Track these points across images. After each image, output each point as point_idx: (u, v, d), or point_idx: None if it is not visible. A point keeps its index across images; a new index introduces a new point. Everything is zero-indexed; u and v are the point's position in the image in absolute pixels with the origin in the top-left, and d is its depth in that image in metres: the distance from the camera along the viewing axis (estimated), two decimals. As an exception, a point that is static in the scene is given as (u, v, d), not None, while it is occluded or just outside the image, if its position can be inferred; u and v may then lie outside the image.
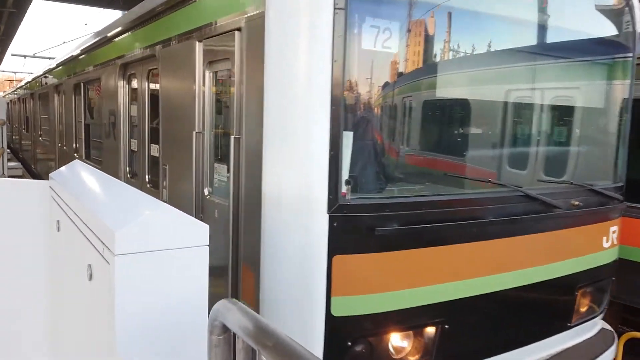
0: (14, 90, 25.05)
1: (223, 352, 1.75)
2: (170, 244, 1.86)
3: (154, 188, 5.09)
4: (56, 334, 3.10)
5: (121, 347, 1.81)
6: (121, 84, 6.09)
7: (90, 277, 2.10)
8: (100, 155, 7.33)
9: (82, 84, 8.59)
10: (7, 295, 3.23)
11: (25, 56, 39.21)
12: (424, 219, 3.00)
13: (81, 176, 3.07)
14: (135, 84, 5.85)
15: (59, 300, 2.99)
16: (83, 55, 8.63)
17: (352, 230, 2.84)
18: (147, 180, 5.42)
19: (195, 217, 3.71)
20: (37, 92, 15.01)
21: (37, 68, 18.90)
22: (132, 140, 5.92)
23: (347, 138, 2.83)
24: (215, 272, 2.83)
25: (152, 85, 5.42)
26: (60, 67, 10.92)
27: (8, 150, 18.09)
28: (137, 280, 1.83)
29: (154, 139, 5.14)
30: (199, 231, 1.92)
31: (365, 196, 2.97)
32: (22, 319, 3.27)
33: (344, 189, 2.78)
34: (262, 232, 2.98)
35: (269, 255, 2.97)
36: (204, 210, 3.96)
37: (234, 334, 1.69)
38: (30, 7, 16.08)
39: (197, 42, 3.94)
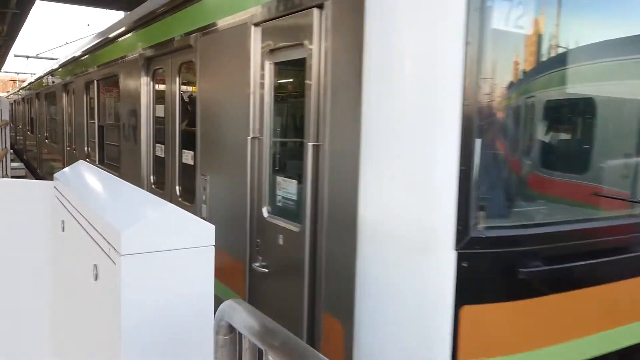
0: (18, 91, 24.53)
1: (229, 352, 1.75)
2: (176, 244, 1.86)
3: (187, 202, 4.39)
4: (60, 334, 3.10)
5: (126, 347, 1.81)
6: (144, 80, 5.38)
7: (96, 277, 2.10)
8: (118, 161, 6.58)
9: (95, 82, 7.83)
10: (11, 295, 3.24)
11: (28, 57, 39.32)
12: (587, 253, 2.30)
13: (85, 176, 3.07)
14: (162, 80, 5.12)
15: (64, 300, 2.99)
16: (97, 50, 7.74)
17: (488, 272, 2.17)
18: (177, 192, 4.74)
19: (250, 241, 3.27)
20: (43, 91, 14.25)
21: (40, 69, 18.47)
22: (157, 145, 5.22)
23: (484, 148, 2.13)
24: (281, 315, 2.26)
25: (186, 81, 4.73)
26: (70, 65, 10.03)
27: (11, 151, 18.18)
28: (143, 280, 1.83)
29: (187, 144, 4.45)
30: (205, 231, 1.92)
31: (506, 225, 2.25)
32: (27, 318, 3.27)
33: (478, 216, 2.11)
34: (357, 271, 2.28)
35: (367, 304, 2.25)
36: (263, 234, 3.20)
37: (240, 334, 1.69)
38: (33, 8, 16.11)
39: (252, 27, 3.18)
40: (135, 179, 5.38)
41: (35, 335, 3.25)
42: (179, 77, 4.70)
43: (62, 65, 10.88)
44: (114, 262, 1.84)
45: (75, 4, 20.59)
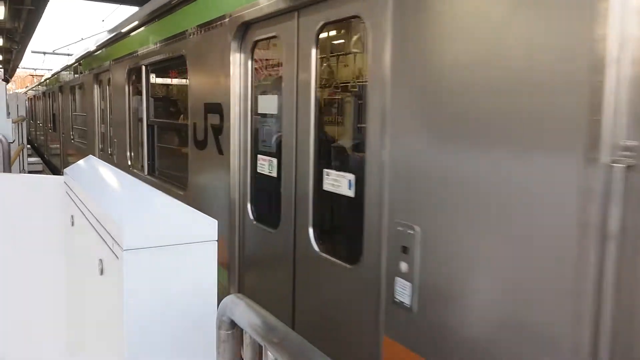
0: (38, 85, 22.68)
1: (231, 347, 1.75)
2: (179, 238, 1.86)
3: (347, 262, 2.66)
4: (72, 327, 3.14)
5: (129, 341, 1.82)
6: (236, 58, 3.60)
7: (102, 272, 2.12)
8: (181, 175, 4.75)
9: (142, 68, 5.83)
10: (25, 289, 3.28)
11: (45, 53, 39.85)
12: None
13: (94, 171, 3.09)
14: (271, 55, 3.55)
15: (74, 294, 3.02)
16: (149, 23, 5.66)
17: None
18: (315, 246, 2.91)
19: None
20: (67, 84, 12.28)
21: (59, 63, 17.81)
22: (261, 157, 3.49)
23: None
24: None
25: (337, 53, 3.24)
26: (104, 49, 8.02)
27: (29, 146, 18.38)
28: (146, 275, 1.84)
29: (335, 160, 2.95)
30: (208, 226, 1.92)
31: None
32: (41, 312, 3.31)
33: None
34: None
35: None
36: None
37: (242, 329, 1.69)
38: (49, 4, 16.26)
39: None
40: (218, 207, 3.90)
41: (49, 327, 3.29)
42: (317, 48, 2.84)
43: (94, 51, 8.89)
44: (117, 257, 1.85)
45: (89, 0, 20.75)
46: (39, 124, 20.98)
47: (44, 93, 18.32)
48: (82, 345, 2.81)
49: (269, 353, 1.45)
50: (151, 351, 1.84)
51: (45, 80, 18.20)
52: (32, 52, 39.47)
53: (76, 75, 10.76)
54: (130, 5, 22.10)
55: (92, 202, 2.32)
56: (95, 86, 8.64)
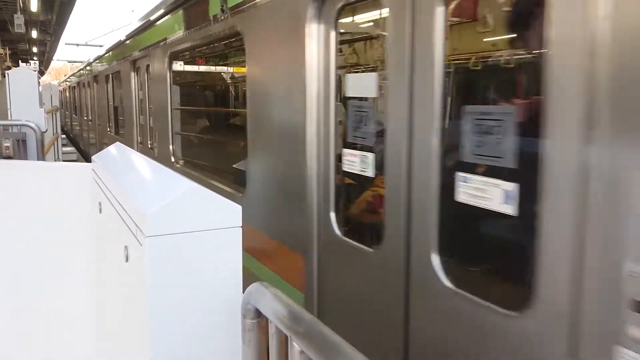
0: (72, 75, 21.76)
1: (257, 336, 1.70)
2: (203, 225, 1.82)
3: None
4: (100, 313, 3.16)
5: (154, 328, 1.79)
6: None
7: (127, 259, 2.09)
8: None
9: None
10: (56, 277, 3.32)
11: (77, 45, 40.65)
12: None
13: (122, 158, 3.08)
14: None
15: (103, 281, 3.03)
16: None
17: None
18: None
19: None
20: (102, 73, 11.38)
21: (90, 55, 17.54)
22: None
23: None
24: None
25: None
26: (141, 34, 6.99)
27: (63, 136, 18.82)
28: (170, 261, 1.80)
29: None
30: (232, 212, 1.87)
31: None
32: (71, 299, 3.35)
33: None
34: None
35: None
36: None
37: (267, 320, 1.63)
38: (80, -5, 16.52)
39: None
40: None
41: (79, 314, 3.33)
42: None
43: (130, 37, 8.09)
44: (140, 244, 1.81)
45: (119, -10, 20.98)
46: (74, 114, 20.69)
47: (78, 83, 17.85)
48: (108, 330, 2.82)
49: (295, 344, 1.39)
50: (176, 339, 1.80)
51: (80, 70, 17.79)
52: (66, 44, 40.31)
53: (112, 64, 10.14)
54: (159, -5, 22.24)
55: (117, 188, 2.30)
56: (133, 74, 7.83)
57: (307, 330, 1.38)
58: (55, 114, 12.47)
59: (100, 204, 2.98)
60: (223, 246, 1.86)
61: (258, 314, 1.67)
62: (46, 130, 6.71)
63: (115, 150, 3.30)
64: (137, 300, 1.95)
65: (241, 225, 1.89)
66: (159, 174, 2.38)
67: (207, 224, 1.82)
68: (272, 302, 1.56)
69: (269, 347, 1.66)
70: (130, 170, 2.68)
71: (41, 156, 6.10)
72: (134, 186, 2.23)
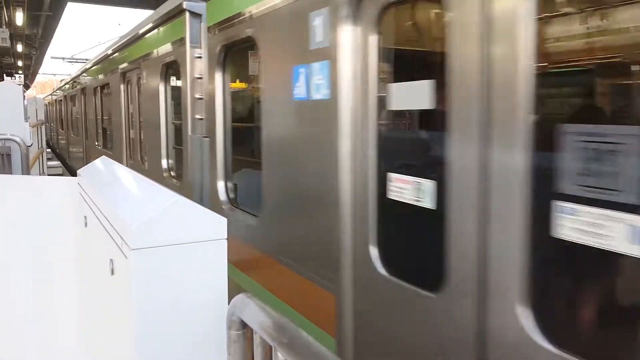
0: (58, 88, 20.97)
1: (242, 347, 1.71)
2: (187, 237, 1.83)
3: None
4: (84, 327, 3.14)
5: (140, 340, 1.79)
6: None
7: (112, 272, 2.10)
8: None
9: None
10: (38, 290, 3.30)
11: (63, 59, 40.48)
12: None
13: (107, 172, 3.09)
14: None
15: (87, 294, 3.02)
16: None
17: None
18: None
19: None
20: (91, 86, 10.85)
21: (75, 70, 17.12)
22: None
23: None
24: None
25: None
26: (133, 45, 6.69)
27: (49, 150, 18.62)
28: (155, 274, 1.81)
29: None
30: (217, 224, 1.89)
31: None
32: (52, 313, 3.32)
33: None
34: None
35: None
36: None
37: (252, 332, 1.65)
38: (65, 10, 16.50)
39: None
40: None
41: (61, 328, 3.30)
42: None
43: (120, 49, 7.53)
44: (126, 257, 1.82)
45: (104, 4, 21.01)
46: (60, 128, 20.26)
47: (65, 96, 17.47)
48: (93, 345, 2.81)
49: (279, 354, 1.41)
50: (161, 351, 1.81)
51: (66, 83, 17.42)
52: (52, 57, 40.11)
53: (100, 76, 9.78)
54: (145, 9, 22.32)
55: (103, 202, 2.31)
56: (122, 86, 7.50)
57: (291, 340, 1.40)
58: (41, 127, 12.38)
59: (85, 217, 2.98)
60: (208, 258, 1.88)
61: (243, 325, 1.68)
62: (31, 145, 6.66)
63: (101, 163, 3.30)
64: (123, 313, 1.95)
65: (226, 237, 1.91)
66: (145, 187, 2.40)
67: (192, 236, 1.84)
68: (257, 313, 1.58)
69: (254, 358, 1.68)
70: (115, 184, 2.69)
71: (26, 170, 6.05)
72: (120, 199, 2.24)
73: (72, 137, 15.26)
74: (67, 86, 16.90)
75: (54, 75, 52.59)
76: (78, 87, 13.41)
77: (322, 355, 1.33)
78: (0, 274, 3.30)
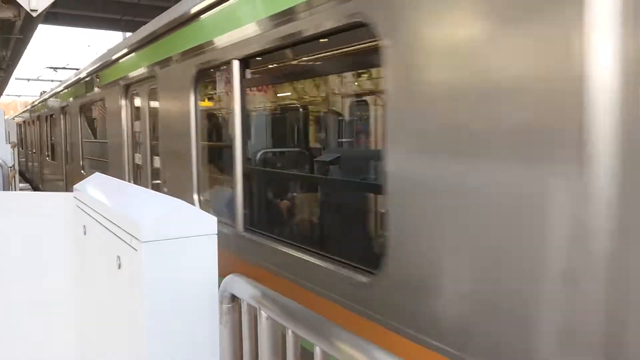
0: (30, 108, 19.62)
1: (232, 318, 2.15)
2: (187, 232, 2.27)
3: None
4: (84, 327, 3.49)
5: (149, 319, 2.21)
6: None
7: (119, 267, 2.51)
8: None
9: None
10: (37, 300, 3.63)
11: (29, 80, 39.94)
12: None
13: (103, 184, 3.48)
14: None
15: (88, 296, 3.39)
16: None
17: None
18: None
19: None
20: (75, 103, 9.97)
21: (41, 89, 16.26)
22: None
23: None
24: None
25: None
26: (141, 49, 5.93)
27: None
28: (161, 263, 2.24)
29: None
30: (209, 222, 2.33)
31: None
32: (53, 316, 3.66)
33: None
34: None
35: None
36: None
37: (241, 303, 2.09)
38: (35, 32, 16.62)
39: None
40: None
41: (60, 332, 3.64)
42: None
43: (121, 57, 6.79)
44: (135, 250, 2.24)
45: (75, 26, 21.16)
46: (32, 151, 18.95)
47: (38, 117, 16.40)
48: (96, 341, 3.18)
49: (262, 312, 1.86)
50: (166, 330, 2.22)
51: (41, 102, 16.13)
52: (16, 79, 39.61)
53: (89, 92, 8.72)
54: (116, 31, 22.48)
55: (107, 208, 2.72)
56: (124, 102, 6.56)
57: (273, 302, 1.85)
58: (13, 149, 12.51)
59: (84, 226, 3.37)
60: (203, 249, 2.32)
61: (233, 299, 2.13)
62: (13, 165, 6.91)
63: (96, 178, 3.70)
64: (131, 298, 2.37)
65: (216, 232, 2.35)
66: (143, 194, 2.82)
67: (190, 231, 2.28)
68: (245, 285, 2.03)
69: (241, 325, 2.12)
70: (114, 193, 3.10)
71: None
72: (123, 204, 2.66)
73: (48, 161, 14.23)
74: (40, 105, 15.83)
75: (18, 96, 51.80)
76: (57, 105, 12.37)
77: (299, 312, 1.78)
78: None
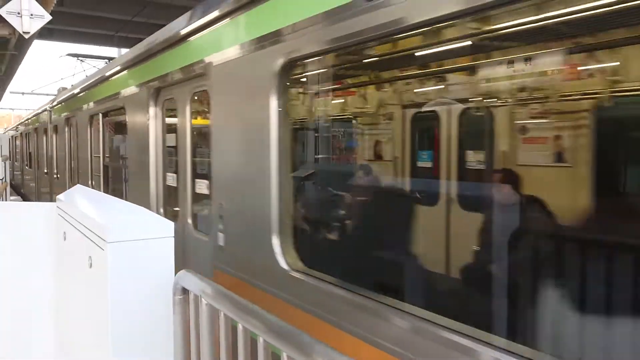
0: (25, 121, 18.89)
1: (182, 307, 2.53)
2: (147, 235, 2.65)
3: None
4: (62, 321, 3.84)
5: (114, 310, 2.57)
6: None
7: (91, 265, 2.88)
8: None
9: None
10: (21, 298, 3.98)
11: (23, 93, 40.28)
12: None
13: (85, 195, 3.86)
14: None
15: (65, 293, 3.75)
16: None
17: None
18: None
19: None
20: (80, 114, 9.06)
21: (37, 104, 15.80)
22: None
23: None
24: None
25: None
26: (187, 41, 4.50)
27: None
28: (125, 262, 2.61)
29: None
30: (167, 226, 2.72)
31: None
32: (34, 317, 4.01)
33: None
34: None
35: None
36: None
37: (190, 294, 2.47)
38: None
39: None
40: None
41: (40, 331, 3.99)
42: None
43: (152, 53, 5.45)
44: (102, 250, 2.62)
45: (68, 41, 21.59)
46: (27, 166, 17.95)
47: (36, 129, 15.40)
48: (71, 334, 3.53)
49: (204, 300, 2.24)
50: (128, 319, 2.59)
51: (39, 114, 15.22)
52: (11, 92, 39.91)
53: (102, 100, 7.65)
54: (109, 46, 22.87)
55: (83, 214, 3.10)
56: (155, 110, 5.42)
57: (214, 293, 2.23)
58: (5, 162, 12.84)
59: (65, 232, 3.74)
60: (161, 250, 2.70)
61: (184, 291, 2.50)
62: (3, 178, 7.25)
63: (78, 189, 4.08)
64: (100, 291, 2.74)
65: (173, 235, 2.74)
66: (115, 203, 3.21)
67: (150, 234, 2.66)
68: (193, 280, 2.41)
69: (189, 312, 2.49)
70: (91, 202, 3.48)
71: (-1, 201, 6.64)
72: (96, 211, 3.05)
73: (46, 178, 13.16)
74: (40, 117, 14.70)
75: (12, 110, 52.14)
76: (59, 117, 11.15)
77: (235, 300, 2.16)
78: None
